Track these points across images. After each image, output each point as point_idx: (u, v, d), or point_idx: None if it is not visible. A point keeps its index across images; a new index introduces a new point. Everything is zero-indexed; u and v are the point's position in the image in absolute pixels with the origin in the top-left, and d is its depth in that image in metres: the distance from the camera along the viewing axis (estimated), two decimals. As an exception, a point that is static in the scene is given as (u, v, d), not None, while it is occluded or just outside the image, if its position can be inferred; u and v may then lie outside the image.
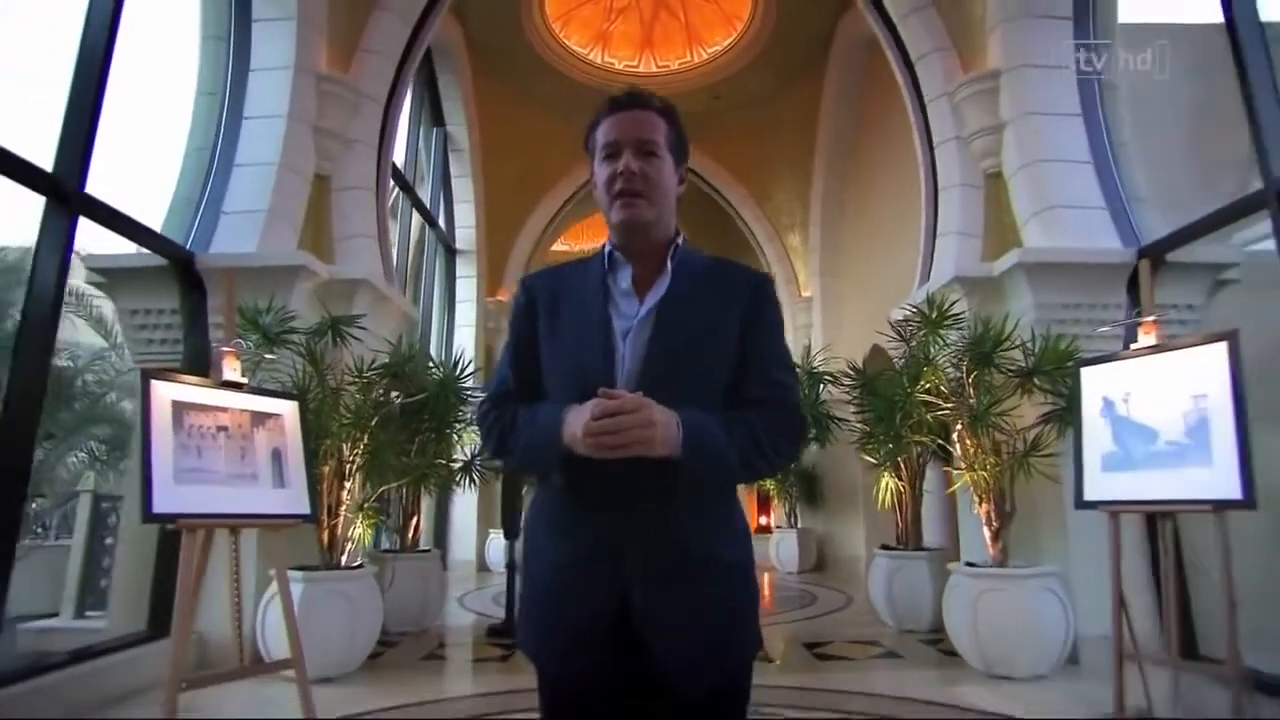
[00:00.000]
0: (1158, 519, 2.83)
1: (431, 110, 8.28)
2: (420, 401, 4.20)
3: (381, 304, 4.49)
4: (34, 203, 2.91)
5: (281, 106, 4.25)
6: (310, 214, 4.38)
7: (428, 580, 4.81)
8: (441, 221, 8.63)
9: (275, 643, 3.29)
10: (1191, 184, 5.10)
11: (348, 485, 3.70)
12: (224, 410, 2.88)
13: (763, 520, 12.24)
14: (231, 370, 2.99)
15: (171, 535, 3.34)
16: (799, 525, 8.83)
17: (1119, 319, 3.71)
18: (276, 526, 2.91)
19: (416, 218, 7.90)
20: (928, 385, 3.85)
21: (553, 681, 1.10)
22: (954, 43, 4.80)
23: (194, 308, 3.88)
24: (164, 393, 2.72)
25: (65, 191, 2.96)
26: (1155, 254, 3.80)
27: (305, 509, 3.04)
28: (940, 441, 4.12)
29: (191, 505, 2.63)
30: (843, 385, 4.77)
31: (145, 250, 3.81)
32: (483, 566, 8.72)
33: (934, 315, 3.96)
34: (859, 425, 4.68)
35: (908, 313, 4.24)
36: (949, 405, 3.79)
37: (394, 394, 4.14)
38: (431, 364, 4.95)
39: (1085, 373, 3.08)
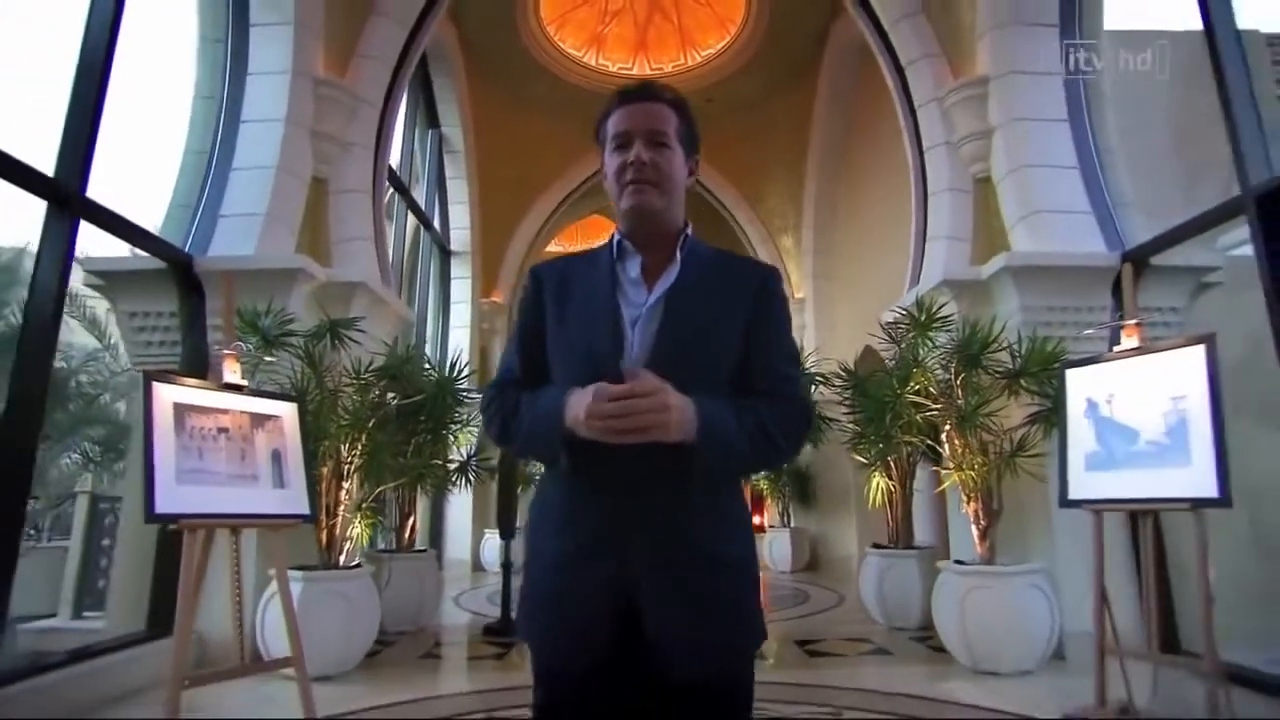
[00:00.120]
0: (1139, 517, 2.89)
1: (427, 112, 8.31)
2: (417, 403, 4.24)
3: (378, 306, 4.53)
4: (26, 203, 2.94)
5: (279, 110, 4.29)
6: (307, 217, 4.41)
7: (424, 580, 4.85)
8: (436, 223, 8.66)
9: (275, 641, 3.33)
10: (1176, 188, 5.18)
11: (346, 486, 3.74)
12: (224, 412, 2.92)
13: (756, 520, 12.31)
14: (232, 373, 3.03)
15: (171, 536, 3.38)
16: (792, 525, 8.91)
17: (1104, 321, 3.79)
18: (276, 527, 2.95)
19: (411, 219, 7.94)
20: (917, 386, 3.91)
21: (551, 674, 1.09)
22: (943, 49, 4.87)
23: (192, 310, 3.92)
24: (166, 395, 2.76)
25: (66, 195, 2.99)
26: (1139, 258, 3.88)
27: (304, 509, 3.08)
28: (930, 442, 4.19)
29: (193, 506, 2.67)
30: (834, 386, 4.83)
31: (143, 253, 3.84)
32: (477, 566, 8.76)
33: (923, 318, 4.04)
34: (850, 426, 4.75)
35: (898, 315, 4.31)
36: (938, 406, 3.86)
37: (390, 395, 4.18)
38: (428, 365, 4.99)
39: (1070, 374, 3.16)
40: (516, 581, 4.73)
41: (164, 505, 2.59)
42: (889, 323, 4.40)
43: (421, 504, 5.78)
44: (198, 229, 4.08)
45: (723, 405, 1.04)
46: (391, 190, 6.82)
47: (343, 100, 4.64)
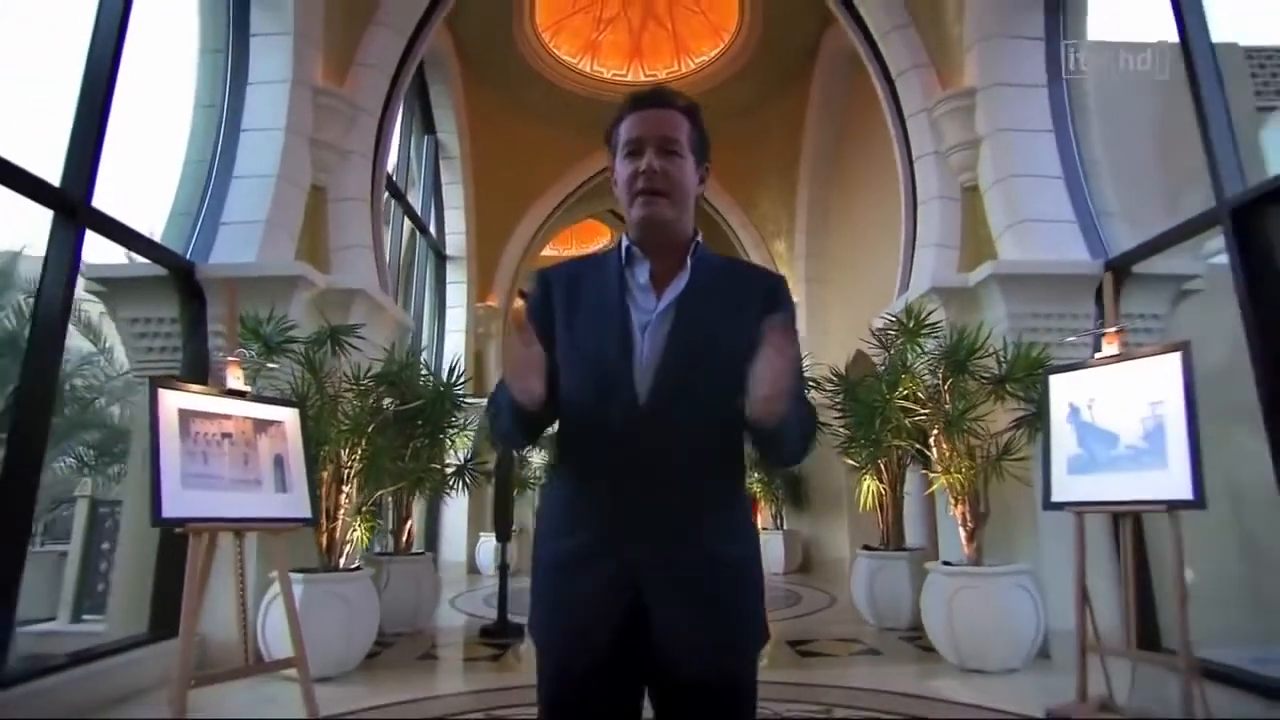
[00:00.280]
0: (1119, 519, 2.98)
1: (423, 118, 8.38)
2: (416, 408, 4.30)
3: (377, 313, 4.59)
4: (21, 208, 2.98)
5: (279, 119, 4.35)
6: (307, 224, 4.47)
7: (421, 582, 4.92)
8: (432, 228, 8.73)
9: (276, 642, 3.38)
10: (1160, 197, 5.30)
11: (346, 490, 3.80)
12: (228, 418, 2.98)
13: (750, 522, 12.37)
14: (235, 379, 3.09)
15: (176, 539, 3.43)
16: (785, 527, 8.99)
17: (1087, 328, 3.89)
18: (279, 530, 3.01)
19: (407, 224, 8.00)
20: (906, 391, 4.00)
21: (559, 673, 1.10)
22: (932, 60, 4.96)
23: (193, 316, 3.97)
24: (171, 401, 2.81)
25: (73, 205, 3.05)
26: (1121, 266, 3.99)
27: (306, 513, 3.15)
28: (918, 446, 4.28)
29: (198, 510, 2.73)
30: (825, 391, 4.91)
31: (141, 260, 3.89)
32: (473, 569, 8.82)
33: (912, 324, 4.13)
34: (841, 430, 4.83)
35: (887, 321, 4.40)
36: (926, 411, 3.95)
37: (387, 401, 4.23)
38: (425, 371, 5.05)
39: (1053, 380, 3.25)
40: (513, 583, 4.79)
41: (170, 509, 2.64)
42: (879, 328, 4.49)
43: (417, 507, 5.83)
44: (199, 236, 4.14)
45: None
46: (387, 195, 6.88)
47: (341, 109, 4.70)
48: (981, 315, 4.22)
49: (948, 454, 3.84)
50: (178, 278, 3.92)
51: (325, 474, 3.74)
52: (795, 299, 8.93)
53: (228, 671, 2.91)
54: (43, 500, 9.43)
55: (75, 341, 9.58)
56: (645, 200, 1.12)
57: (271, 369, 3.55)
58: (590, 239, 13.86)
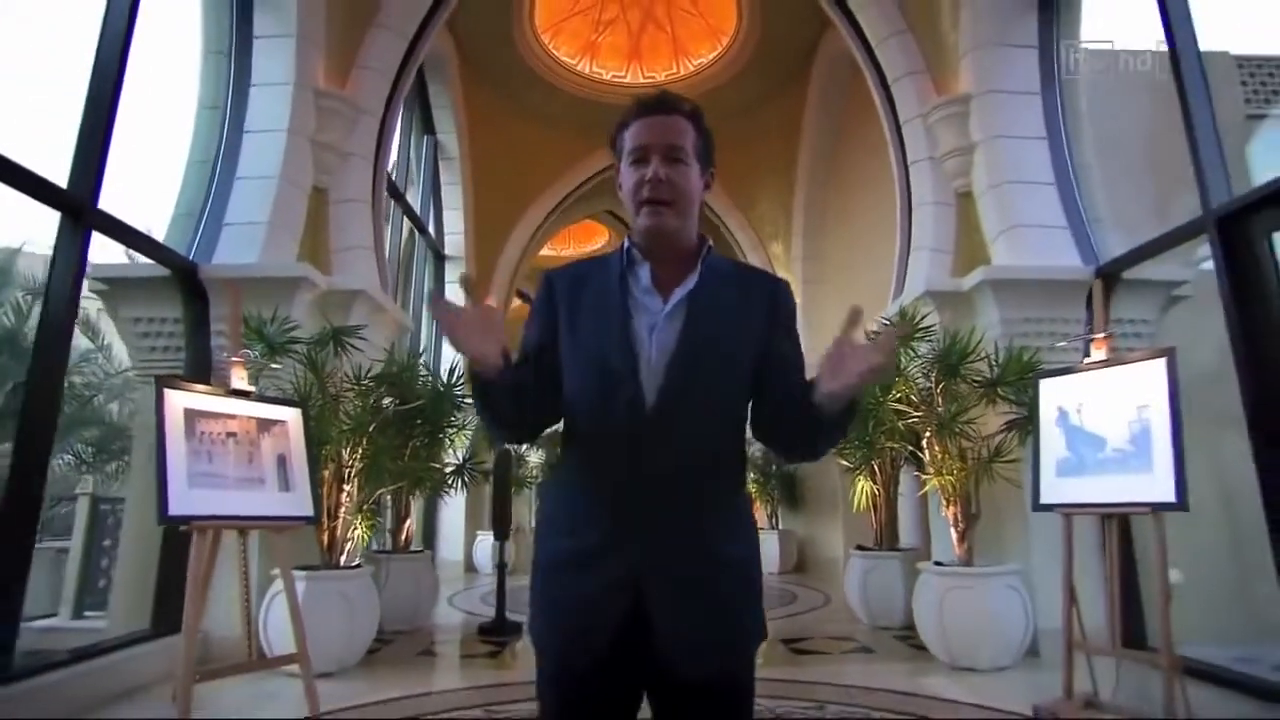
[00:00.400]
0: (1106, 520, 3.05)
1: (422, 119, 8.41)
2: (417, 408, 4.35)
3: (378, 314, 4.64)
4: (20, 205, 3.00)
5: (282, 121, 4.39)
6: (308, 225, 4.51)
7: (420, 580, 4.97)
8: (431, 228, 8.76)
9: (277, 639, 3.42)
10: (1151, 204, 5.37)
11: (347, 488, 3.85)
12: (232, 417, 3.03)
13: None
14: (239, 379, 3.14)
15: (178, 536, 3.48)
16: (780, 527, 9.06)
17: (1078, 333, 3.95)
18: (282, 528, 3.06)
19: (406, 223, 8.03)
20: (899, 394, 4.06)
21: (555, 674, 1.10)
22: (928, 66, 5.03)
23: (196, 317, 4.02)
24: (177, 401, 2.86)
25: (80, 207, 3.09)
26: (1112, 272, 4.06)
27: (309, 511, 3.20)
28: (911, 448, 4.34)
29: (204, 508, 2.78)
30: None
31: (142, 259, 3.92)
32: (470, 567, 8.87)
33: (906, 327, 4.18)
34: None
35: (882, 324, 4.46)
36: (919, 413, 4.01)
37: (386, 400, 4.28)
38: (425, 372, 5.10)
39: (1043, 384, 3.32)
40: (511, 582, 4.84)
41: (176, 508, 2.69)
42: (873, 331, 4.54)
43: (415, 506, 5.88)
44: (202, 237, 4.17)
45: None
46: (386, 195, 6.91)
47: (343, 111, 4.74)
48: (974, 319, 4.29)
49: (940, 456, 3.90)
50: (181, 278, 3.96)
51: (326, 473, 3.79)
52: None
53: (232, 666, 2.96)
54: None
55: (74, 339, 9.61)
56: (651, 210, 1.13)
57: (275, 369, 3.60)
58: (588, 239, 13.91)
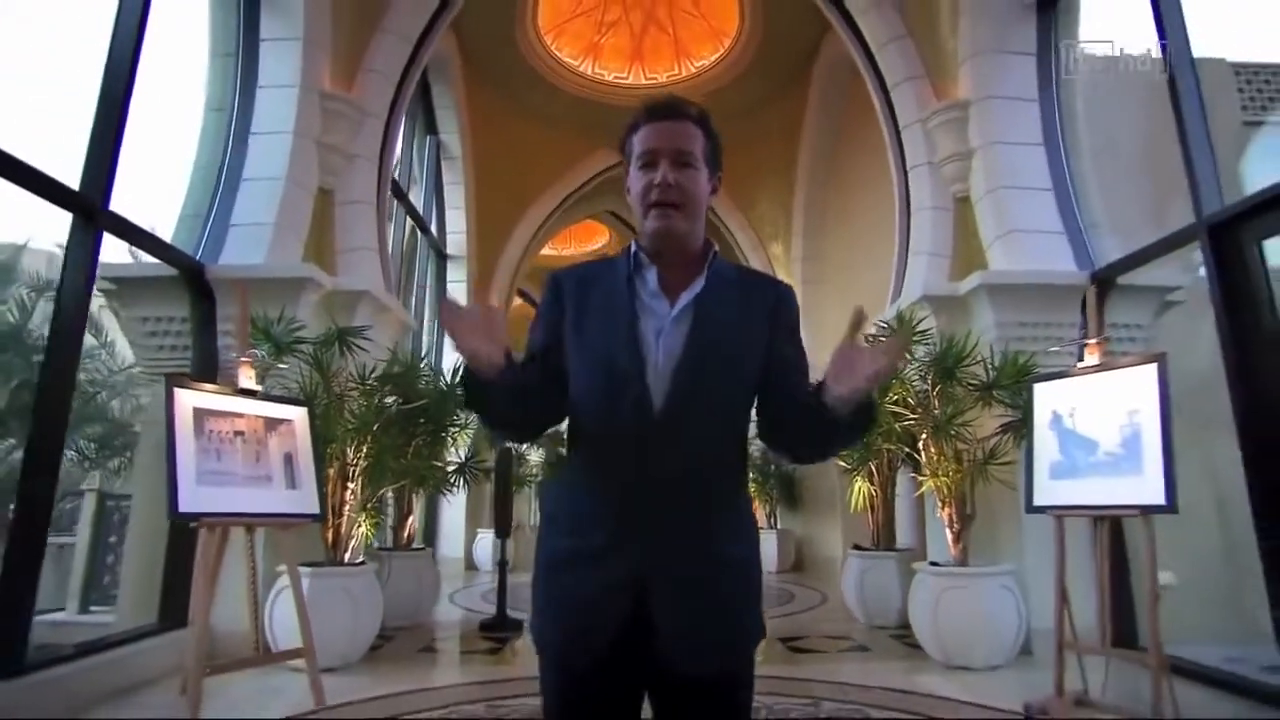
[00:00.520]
0: (1097, 522, 3.10)
1: (425, 119, 8.46)
2: (420, 407, 4.40)
3: (382, 314, 4.69)
4: (24, 203, 3.03)
5: (288, 123, 4.44)
6: (313, 226, 4.56)
7: (422, 577, 5.03)
8: (433, 227, 8.82)
9: (282, 634, 3.48)
10: (1147, 210, 5.42)
11: (351, 486, 3.90)
12: (240, 416, 3.10)
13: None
14: (247, 379, 3.20)
15: (185, 533, 3.54)
16: (779, 527, 9.12)
17: (1073, 337, 4.01)
18: (289, 525, 3.12)
19: (409, 223, 8.08)
20: (896, 397, 4.12)
21: (556, 674, 1.12)
22: (928, 72, 5.08)
23: (203, 316, 4.07)
24: (186, 400, 2.92)
25: (91, 209, 3.14)
26: (1107, 277, 4.11)
27: (315, 509, 3.27)
28: (908, 449, 4.39)
29: (213, 505, 2.84)
30: (819, 394, 5.02)
31: (147, 259, 3.97)
32: (470, 564, 8.93)
33: (903, 331, 4.24)
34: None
35: (880, 328, 4.52)
36: (915, 416, 4.07)
37: (389, 400, 4.33)
38: (428, 372, 5.16)
39: (1037, 388, 3.38)
40: (512, 579, 4.88)
41: (186, 505, 2.75)
42: (871, 334, 4.60)
43: (417, 504, 5.94)
44: (209, 237, 4.23)
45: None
46: (390, 195, 6.96)
47: (348, 113, 4.80)
48: (971, 323, 4.34)
49: (936, 458, 3.96)
50: (188, 278, 4.01)
51: (331, 471, 3.85)
52: (791, 303, 9.01)
53: (239, 661, 3.03)
54: (44, 493, 9.53)
55: (78, 336, 9.66)
56: (660, 213, 1.15)
57: (281, 369, 3.65)
58: (589, 239, 13.96)
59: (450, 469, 5.29)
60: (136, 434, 9.61)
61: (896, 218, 5.19)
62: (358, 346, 4.05)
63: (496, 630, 4.71)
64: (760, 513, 9.26)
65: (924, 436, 4.04)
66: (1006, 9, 4.69)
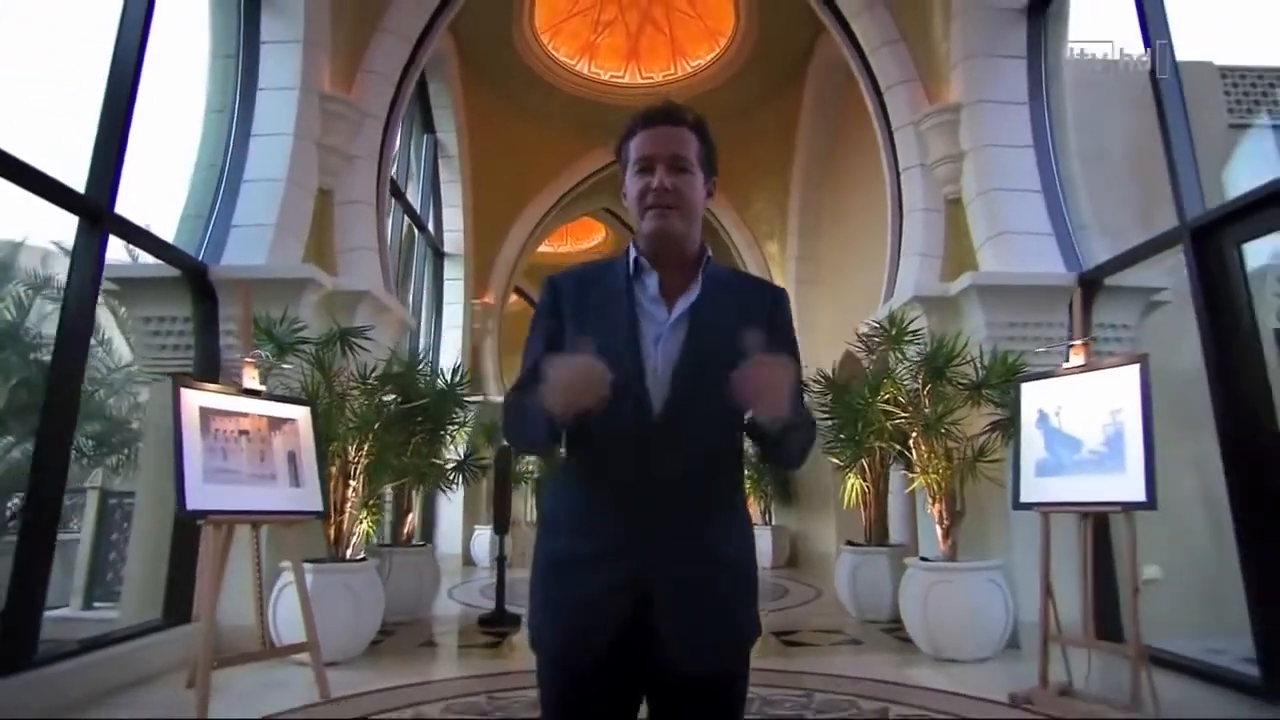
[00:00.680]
0: (1082, 518, 3.19)
1: (423, 118, 8.50)
2: (419, 406, 4.47)
3: (382, 313, 4.75)
4: (22, 201, 3.03)
5: (288, 125, 4.49)
6: (314, 227, 4.62)
7: (421, 573, 5.10)
8: (430, 225, 8.87)
9: (286, 629, 3.54)
10: (1134, 212, 5.50)
11: (352, 484, 3.97)
12: (245, 415, 3.16)
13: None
14: (251, 379, 3.26)
15: (189, 530, 3.60)
16: (773, 523, 9.22)
17: (1061, 337, 4.09)
18: (293, 522, 3.19)
19: (406, 221, 8.13)
20: (887, 395, 4.20)
21: (554, 675, 1.13)
22: (920, 75, 5.15)
23: (205, 316, 4.12)
24: (192, 400, 2.99)
25: (97, 212, 3.20)
26: (1094, 278, 4.20)
27: (318, 506, 3.33)
28: (899, 447, 4.48)
29: (220, 503, 2.91)
30: (813, 392, 5.10)
31: (154, 260, 4.02)
32: (468, 561, 9.01)
33: (894, 331, 4.32)
34: (827, 430, 5.03)
35: (872, 327, 4.60)
36: (906, 414, 4.15)
37: (388, 398, 4.39)
38: (427, 371, 5.22)
39: (1025, 388, 3.47)
40: (511, 574, 4.95)
41: (194, 502, 2.82)
42: (864, 334, 4.68)
43: (416, 501, 6.00)
44: (210, 238, 4.28)
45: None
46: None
47: (348, 115, 4.85)
48: (961, 323, 4.42)
49: (926, 455, 4.04)
50: (191, 279, 4.06)
51: (333, 469, 3.91)
52: (785, 302, 9.03)
53: (246, 654, 3.09)
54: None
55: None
56: (657, 214, 1.16)
57: (284, 369, 3.71)
58: (586, 236, 14.03)
59: (449, 466, 5.36)
60: (134, 431, 9.66)
61: (889, 219, 5.27)
62: (359, 346, 4.11)
63: (496, 625, 4.79)
64: (755, 509, 9.35)
65: (915, 434, 4.12)
66: (998, 14, 4.77)
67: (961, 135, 4.81)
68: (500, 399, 9.54)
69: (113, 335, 10.11)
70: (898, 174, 5.22)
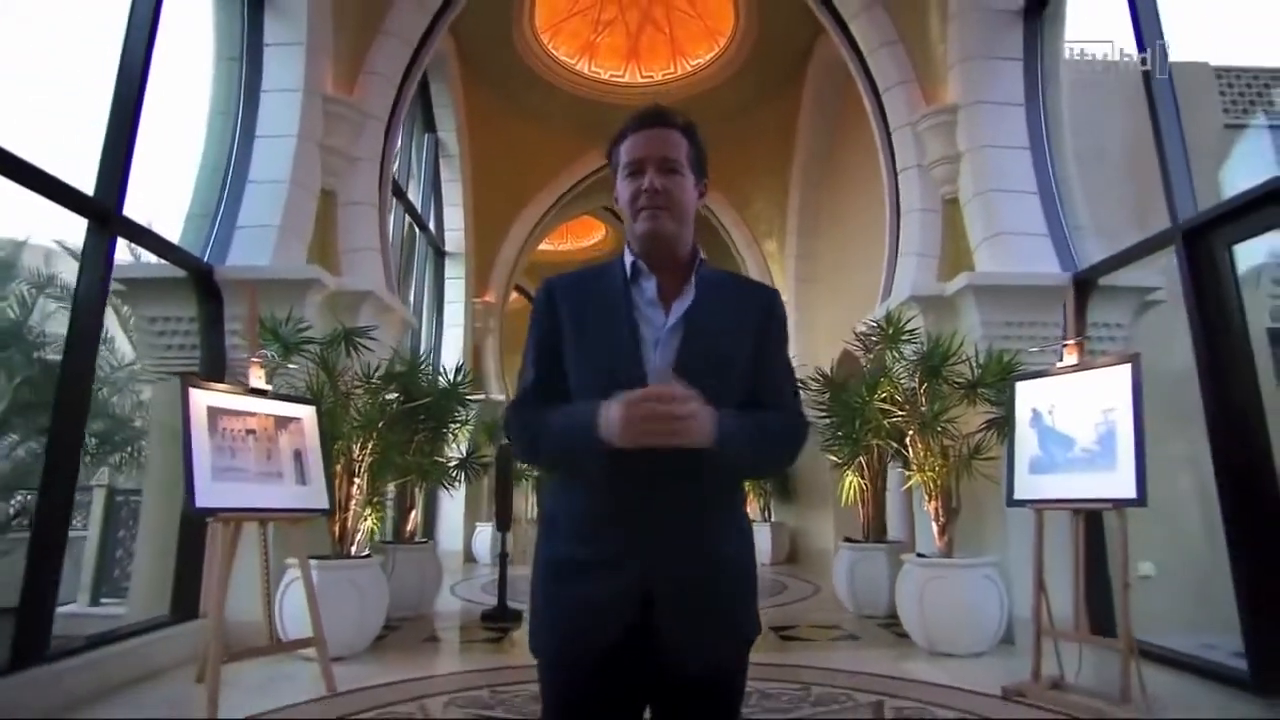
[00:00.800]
0: (1075, 514, 3.25)
1: (423, 118, 8.54)
2: (423, 405, 4.52)
3: (385, 313, 4.80)
4: (23, 200, 3.06)
5: (291, 126, 4.54)
6: (317, 227, 4.67)
7: (424, 570, 5.15)
8: (431, 224, 8.91)
9: (292, 624, 3.60)
10: (1130, 212, 5.55)
11: (357, 481, 4.03)
12: (252, 415, 3.22)
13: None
14: (257, 378, 3.31)
15: (196, 527, 3.66)
16: (772, 519, 9.28)
17: (1056, 337, 4.14)
18: (299, 519, 3.24)
19: (407, 220, 8.18)
20: (884, 394, 4.25)
21: (556, 678, 1.14)
22: (918, 77, 5.19)
23: (210, 316, 4.17)
24: (201, 399, 3.04)
25: (106, 215, 3.25)
26: (1088, 279, 4.25)
27: (324, 504, 3.39)
28: (896, 445, 4.53)
29: (228, 500, 2.96)
30: (811, 390, 5.16)
31: (159, 260, 4.08)
32: (469, 557, 9.07)
33: (891, 331, 4.38)
34: (826, 428, 5.08)
35: (870, 327, 4.65)
36: (903, 412, 4.20)
37: (391, 397, 4.44)
38: (428, 370, 5.28)
39: (1019, 386, 3.53)
40: (512, 571, 4.99)
41: (203, 500, 2.87)
42: (861, 333, 4.74)
43: (418, 498, 6.06)
44: (215, 239, 4.33)
45: (736, 416, 1.11)
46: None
47: (350, 116, 4.90)
48: (957, 323, 4.47)
49: (922, 453, 4.10)
50: (196, 279, 4.12)
51: (338, 467, 3.96)
52: (785, 298, 9.20)
53: (254, 649, 3.15)
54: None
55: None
56: (649, 215, 1.17)
57: (290, 369, 3.76)
58: (585, 234, 14.07)
59: (451, 464, 5.42)
60: (136, 429, 9.71)
61: (887, 219, 5.32)
62: (363, 346, 4.16)
63: (498, 620, 4.85)
64: (755, 506, 9.41)
65: (911, 432, 4.17)
66: (994, 16, 4.81)
67: (958, 136, 4.86)
68: (502, 397, 9.53)
69: (115, 334, 10.14)
70: (895, 174, 5.27)
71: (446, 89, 8.49)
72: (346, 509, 3.99)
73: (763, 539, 8.98)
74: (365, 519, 4.23)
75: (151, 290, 4.18)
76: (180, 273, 4.09)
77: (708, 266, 1.24)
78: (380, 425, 4.07)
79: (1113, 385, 3.07)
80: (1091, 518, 3.43)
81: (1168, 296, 4.46)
